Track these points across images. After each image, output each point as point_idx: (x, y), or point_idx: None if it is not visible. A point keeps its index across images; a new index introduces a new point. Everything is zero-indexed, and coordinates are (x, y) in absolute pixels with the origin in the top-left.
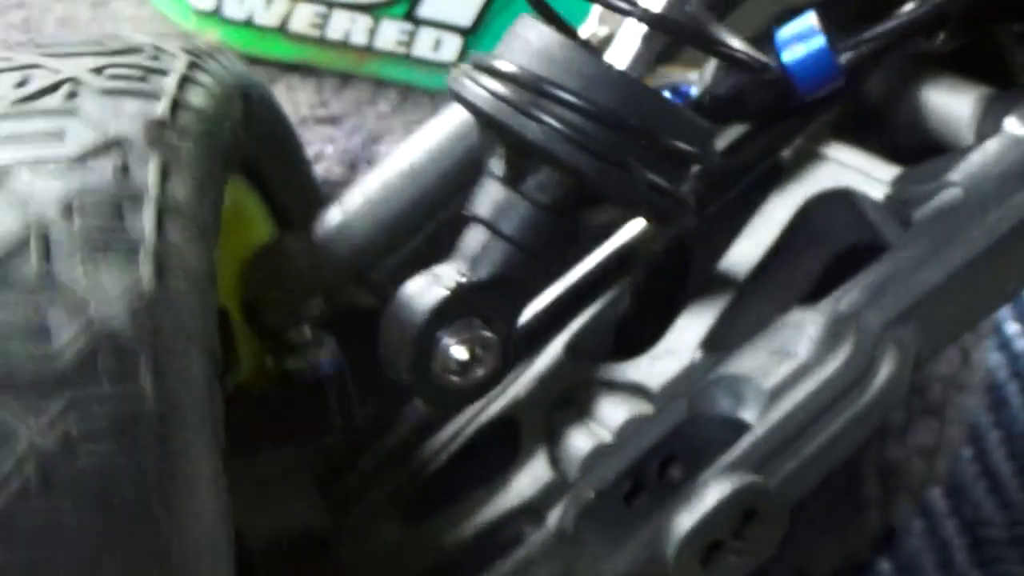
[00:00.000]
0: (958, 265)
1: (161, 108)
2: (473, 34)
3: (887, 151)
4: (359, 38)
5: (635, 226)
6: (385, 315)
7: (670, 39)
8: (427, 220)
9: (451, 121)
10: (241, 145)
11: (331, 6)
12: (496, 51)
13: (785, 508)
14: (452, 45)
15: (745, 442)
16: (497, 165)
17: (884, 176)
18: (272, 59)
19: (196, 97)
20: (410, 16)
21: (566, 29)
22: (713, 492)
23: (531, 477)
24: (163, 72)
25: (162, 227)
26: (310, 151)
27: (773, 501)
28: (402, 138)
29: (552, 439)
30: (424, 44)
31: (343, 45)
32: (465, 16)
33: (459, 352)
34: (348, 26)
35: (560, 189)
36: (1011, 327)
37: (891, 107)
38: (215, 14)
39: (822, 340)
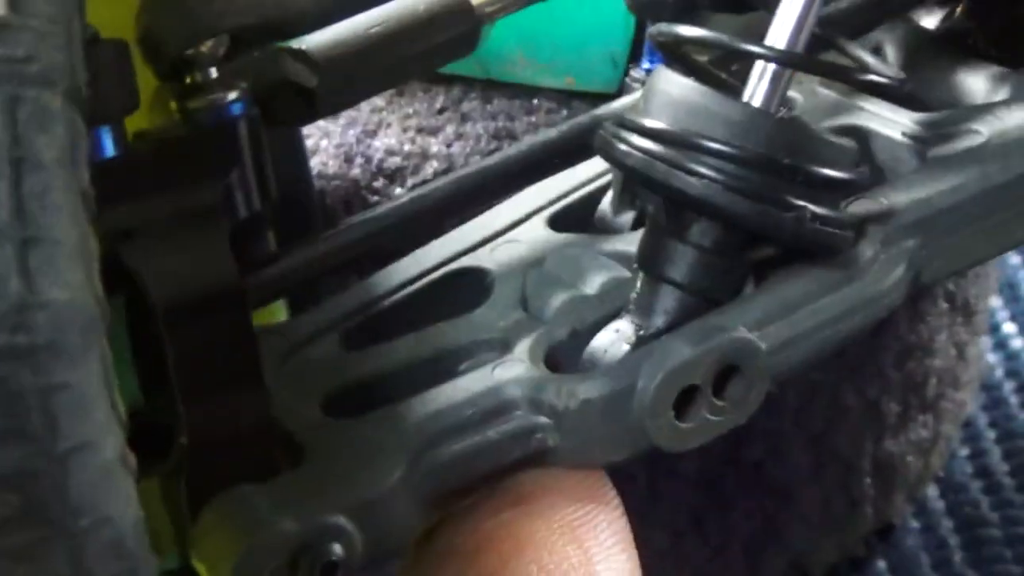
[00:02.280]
0: (972, 193)
1: None
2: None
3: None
4: None
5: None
6: None
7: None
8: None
9: None
10: None
11: None
12: (640, 108)
13: (768, 375)
14: None
15: (738, 303)
16: (657, 216)
17: (904, 120)
18: None
19: None
20: None
21: (701, 73)
22: (702, 336)
23: (499, 314)
24: None
25: None
26: (305, 145)
27: (759, 362)
28: (398, 132)
29: (527, 292)
30: None
31: None
32: None
33: None
34: None
35: (723, 232)
36: (1008, 327)
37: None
38: None
39: None
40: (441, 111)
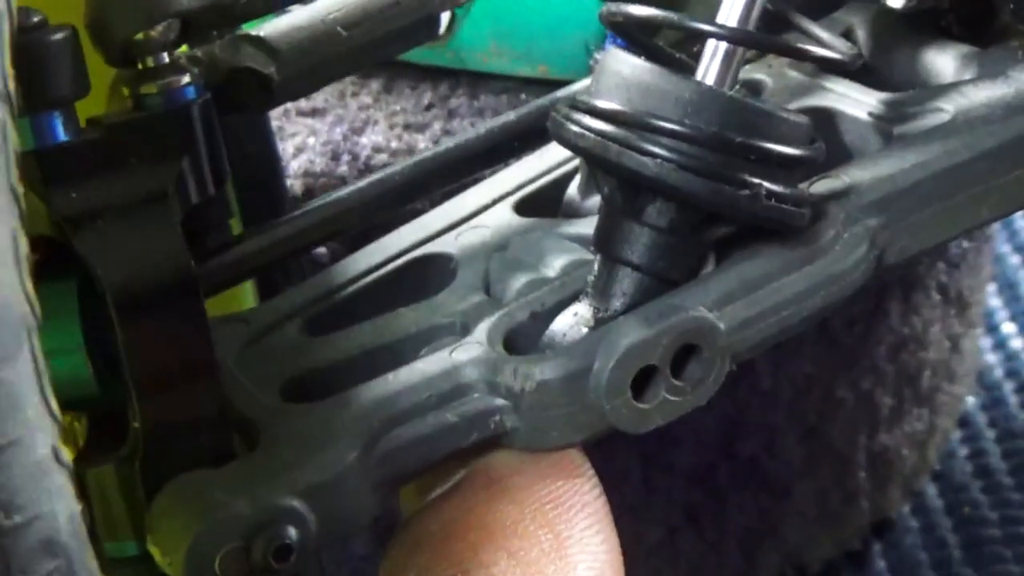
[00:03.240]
0: (936, 171)
1: None
2: (461, 5)
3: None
4: None
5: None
6: None
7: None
8: None
9: None
10: None
11: None
12: (592, 89)
13: (728, 355)
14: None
15: (697, 283)
16: (612, 197)
17: (870, 100)
18: None
19: None
20: None
21: (653, 52)
22: (659, 315)
23: (460, 298)
24: None
25: None
26: (293, 143)
27: (718, 341)
28: (385, 129)
29: (490, 274)
30: None
31: None
32: None
33: None
34: None
35: (679, 212)
36: (1007, 327)
37: (876, 66)
38: None
39: None
40: (428, 107)
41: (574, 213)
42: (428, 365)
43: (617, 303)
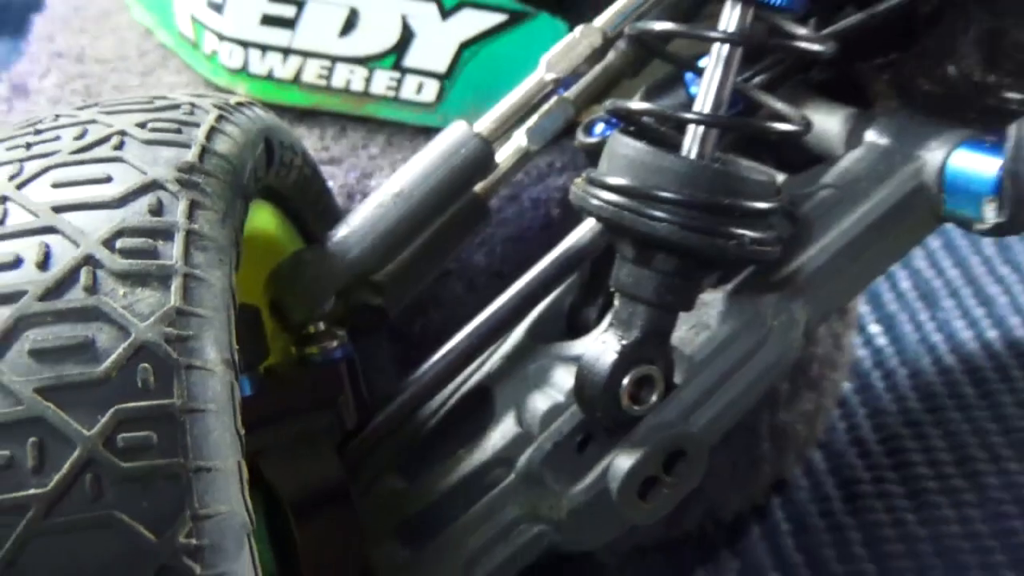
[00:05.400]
0: (836, 250)
1: (192, 154)
2: (448, 78)
3: (774, 163)
4: (357, 85)
5: (583, 230)
6: (577, 379)
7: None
8: (416, 232)
9: (430, 155)
10: (261, 180)
11: (334, 60)
12: (603, 168)
13: (706, 448)
14: (431, 88)
15: (673, 398)
16: (626, 250)
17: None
18: (289, 106)
19: (221, 145)
20: (397, 66)
21: (645, 131)
22: (647, 438)
23: (502, 433)
24: (196, 124)
25: (189, 255)
26: None
27: (696, 442)
28: (389, 174)
29: (518, 403)
30: (409, 88)
31: (345, 91)
32: (441, 64)
33: (635, 391)
34: (348, 76)
35: (681, 259)
36: (873, 327)
37: None
38: (243, 71)
39: (729, 315)
40: None
41: (577, 322)
42: (487, 509)
43: (636, 332)
